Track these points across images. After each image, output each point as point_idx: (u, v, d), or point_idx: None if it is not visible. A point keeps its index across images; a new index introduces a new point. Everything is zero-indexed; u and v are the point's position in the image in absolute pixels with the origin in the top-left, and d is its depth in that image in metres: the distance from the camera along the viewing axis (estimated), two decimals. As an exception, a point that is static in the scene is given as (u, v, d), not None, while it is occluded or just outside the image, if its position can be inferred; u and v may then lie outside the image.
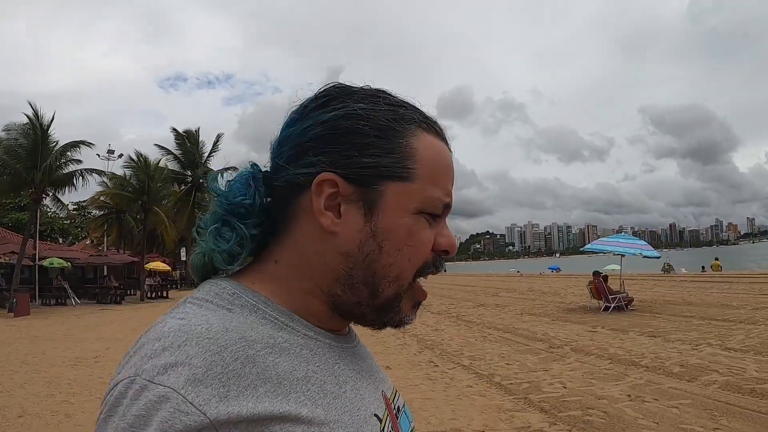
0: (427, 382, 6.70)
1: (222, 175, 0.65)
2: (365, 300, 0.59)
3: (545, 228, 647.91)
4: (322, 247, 0.58)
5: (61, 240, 41.89)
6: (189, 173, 31.28)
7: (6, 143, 20.13)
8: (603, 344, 8.56)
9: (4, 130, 20.29)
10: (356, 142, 0.58)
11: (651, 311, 12.38)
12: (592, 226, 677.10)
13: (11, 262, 20.92)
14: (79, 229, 45.22)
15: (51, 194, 22.17)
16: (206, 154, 32.26)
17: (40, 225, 37.42)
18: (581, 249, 14.82)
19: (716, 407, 4.88)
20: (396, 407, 0.67)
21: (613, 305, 12.75)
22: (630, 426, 4.67)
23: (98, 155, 30.96)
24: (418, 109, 0.63)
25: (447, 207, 0.61)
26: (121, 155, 32.13)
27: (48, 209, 32.91)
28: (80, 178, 21.83)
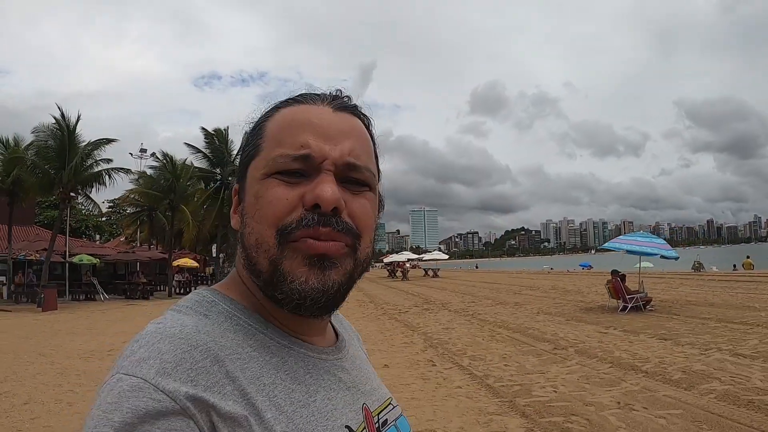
0: (419, 382, 6.61)
1: None
2: (258, 280, 0.59)
3: (581, 224, 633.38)
4: (240, 244, 0.62)
5: (97, 237, 43.25)
6: (218, 171, 31.77)
7: (36, 144, 20.78)
8: (610, 347, 8.28)
9: (33, 132, 20.97)
10: (241, 149, 0.66)
11: (669, 312, 11.94)
12: (629, 222, 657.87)
13: (42, 258, 21.58)
14: (114, 226, 46.55)
15: (80, 193, 22.72)
16: (234, 152, 32.69)
17: (75, 222, 38.84)
18: (599, 247, 14.37)
19: (706, 419, 4.64)
20: (381, 420, 0.66)
21: (630, 305, 12.34)
22: (611, 435, 4.49)
23: (131, 154, 31.83)
24: (303, 93, 0.66)
25: (306, 158, 0.58)
26: (153, 154, 32.91)
27: (82, 207, 34.00)
28: (107, 176, 22.33)
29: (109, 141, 22.37)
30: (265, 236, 0.57)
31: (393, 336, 10.61)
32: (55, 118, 20.77)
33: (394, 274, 40.95)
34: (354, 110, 0.65)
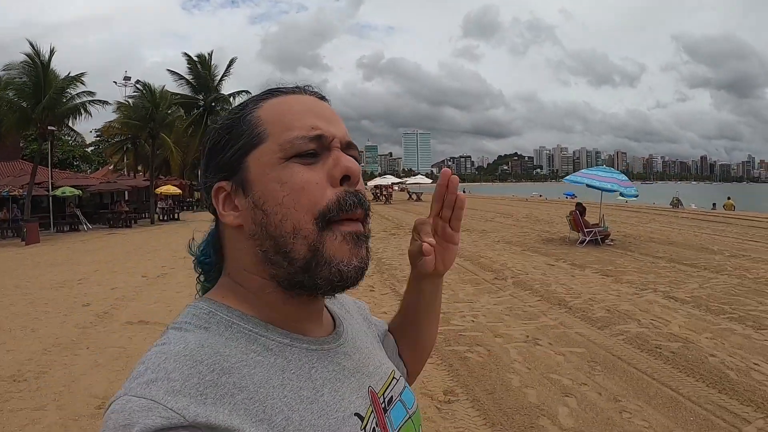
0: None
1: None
2: (290, 267, 0.59)
3: (574, 152, 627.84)
4: (241, 243, 0.62)
5: (85, 167, 42.62)
6: (201, 97, 30.75)
7: (11, 81, 20.23)
8: (549, 279, 8.31)
9: (4, 70, 20.37)
10: (218, 148, 0.64)
11: (626, 248, 11.96)
12: (622, 153, 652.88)
13: (25, 194, 21.52)
14: (101, 156, 45.88)
15: (56, 128, 22.37)
16: (218, 78, 31.50)
17: (61, 154, 38.12)
18: (563, 179, 14.17)
19: (603, 360, 4.65)
20: (387, 399, 0.67)
21: (588, 239, 12.36)
22: (502, 368, 4.53)
23: (115, 82, 30.58)
24: (274, 87, 0.67)
25: (319, 139, 0.61)
26: (137, 81, 31.71)
27: (69, 138, 33.15)
28: (83, 109, 21.82)
29: (80, 75, 21.55)
30: (303, 222, 0.58)
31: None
32: (27, 54, 20.09)
33: (379, 198, 40.73)
34: (327, 100, 0.69)
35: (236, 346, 0.57)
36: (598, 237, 12.40)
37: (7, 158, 27.29)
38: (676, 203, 28.44)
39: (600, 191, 12.85)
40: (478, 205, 34.86)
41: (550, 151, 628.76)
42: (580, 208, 13.10)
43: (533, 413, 3.67)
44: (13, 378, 4.68)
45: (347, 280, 0.60)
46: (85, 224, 23.22)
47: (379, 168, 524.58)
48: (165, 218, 27.68)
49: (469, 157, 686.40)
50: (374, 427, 0.62)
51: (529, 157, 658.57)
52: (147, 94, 26.53)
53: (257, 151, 0.61)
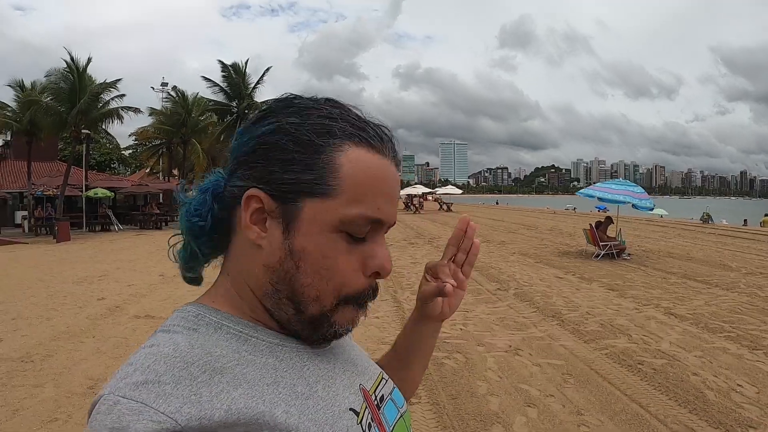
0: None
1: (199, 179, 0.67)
2: (295, 317, 0.58)
3: (612, 165, 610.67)
4: (252, 259, 0.59)
5: (124, 169, 44.07)
6: (234, 104, 31.40)
7: (48, 86, 21.48)
8: (553, 291, 8.16)
9: (45, 76, 21.77)
10: (279, 158, 0.57)
11: (641, 262, 11.62)
12: (660, 167, 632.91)
13: (59, 194, 22.52)
14: (137, 160, 47.44)
15: (91, 132, 23.45)
16: (252, 86, 32.07)
17: (99, 156, 39.60)
18: (577, 192, 13.85)
19: (579, 374, 4.55)
20: (378, 396, 0.67)
21: (603, 252, 12.07)
22: (474, 375, 4.49)
23: (153, 88, 31.66)
24: (360, 120, 0.60)
25: (377, 223, 0.58)
26: (174, 87, 32.73)
27: (107, 142, 34.41)
28: (116, 116, 22.82)
29: (115, 82, 22.67)
30: (327, 298, 0.58)
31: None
32: (65, 61, 21.28)
33: (409, 207, 40.56)
34: (399, 165, 0.64)
35: (227, 347, 0.55)
36: (614, 251, 12.09)
37: (45, 159, 28.36)
38: (707, 218, 27.48)
39: (616, 204, 12.54)
40: (506, 216, 34.43)
41: (587, 164, 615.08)
42: (602, 222, 12.84)
43: (489, 420, 3.63)
44: (22, 359, 5.13)
45: (336, 338, 0.61)
46: (117, 225, 23.97)
47: (416, 177, 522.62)
48: None
49: (506, 168, 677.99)
50: (370, 422, 0.61)
51: (566, 169, 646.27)
52: (180, 100, 27.28)
53: (319, 202, 0.56)
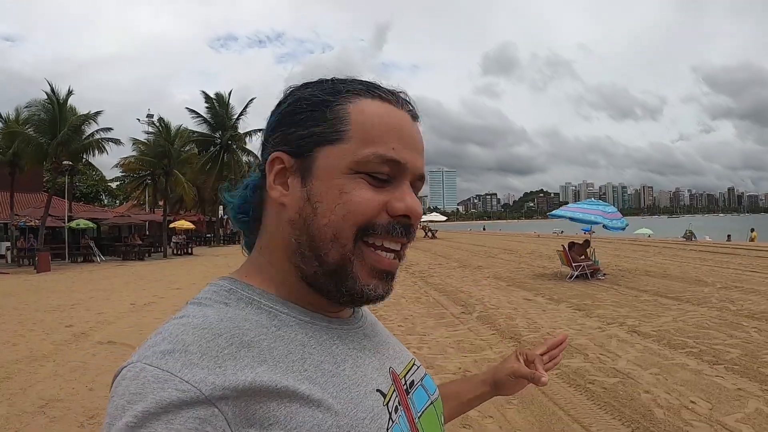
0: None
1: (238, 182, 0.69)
2: (317, 268, 0.58)
3: (600, 188, 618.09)
4: (278, 221, 0.60)
5: (112, 201, 43.86)
6: (218, 135, 31.45)
7: (32, 117, 21.56)
8: (518, 313, 7.96)
9: (26, 107, 22.02)
10: (294, 120, 0.60)
11: (615, 282, 11.48)
12: (648, 187, 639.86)
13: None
14: (124, 191, 47.28)
15: (73, 163, 23.37)
16: (235, 117, 32.20)
17: (85, 188, 39.50)
18: (548, 214, 13.78)
19: (524, 394, 4.30)
20: (409, 381, 0.66)
21: (576, 273, 11.92)
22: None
23: (138, 119, 31.69)
24: (372, 82, 0.63)
25: (396, 165, 0.58)
26: (160, 119, 32.90)
27: (93, 173, 34.27)
28: (96, 148, 22.84)
29: (96, 114, 22.89)
30: (344, 231, 0.57)
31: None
32: (46, 92, 21.44)
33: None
34: (418, 120, 0.66)
35: (256, 321, 0.55)
36: (587, 271, 11.96)
37: (30, 190, 28.34)
38: (690, 236, 27.54)
39: (588, 224, 12.47)
40: (489, 242, 34.39)
41: (576, 187, 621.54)
42: (576, 243, 12.74)
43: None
44: None
45: (368, 300, 0.59)
46: (99, 256, 23.77)
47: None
48: (179, 252, 27.99)
49: (495, 194, 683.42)
50: (397, 405, 0.60)
51: (555, 193, 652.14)
52: (162, 131, 27.28)
53: (332, 148, 0.58)
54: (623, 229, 12.23)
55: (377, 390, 0.58)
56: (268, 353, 0.52)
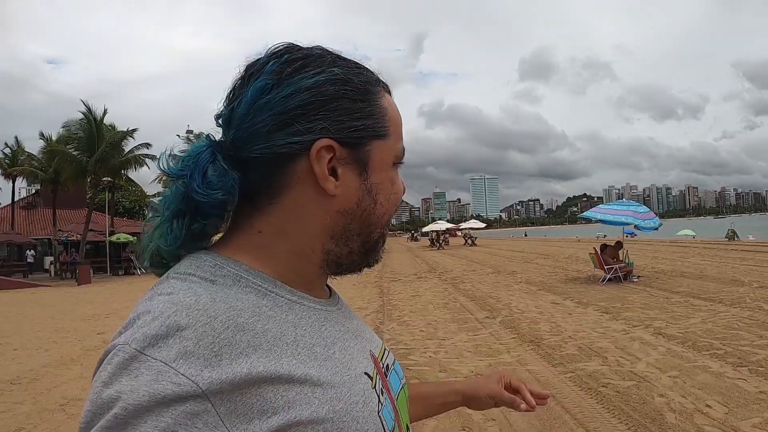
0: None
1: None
2: (357, 248, 0.61)
3: (644, 190, 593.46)
4: (322, 210, 0.57)
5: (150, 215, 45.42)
6: None
7: (71, 136, 22.36)
8: (543, 317, 7.72)
9: (63, 127, 22.75)
10: (344, 107, 0.57)
11: (648, 284, 10.95)
12: (693, 188, 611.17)
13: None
14: None
15: (111, 178, 24.04)
16: None
17: (128, 203, 40.95)
18: (579, 216, 13.34)
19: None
20: (385, 365, 0.66)
21: (608, 276, 11.48)
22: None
23: (178, 135, 32.64)
24: (368, 68, 0.63)
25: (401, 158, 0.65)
26: (201, 134, 33.90)
27: (134, 189, 35.59)
28: (135, 163, 23.63)
29: (132, 131, 23.60)
30: (389, 215, 0.63)
31: (357, 300, 10.44)
32: (82, 112, 22.23)
33: (434, 243, 39.87)
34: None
35: (247, 300, 0.52)
36: (620, 274, 11.50)
37: (73, 206, 29.51)
38: (732, 235, 26.06)
39: (620, 226, 12.00)
40: (528, 247, 33.60)
41: (619, 190, 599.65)
42: (608, 245, 12.31)
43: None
44: (11, 381, 5.64)
45: (372, 265, 0.65)
46: (139, 268, 24.38)
47: (448, 215, 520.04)
48: None
49: (538, 200, 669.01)
50: (381, 388, 0.60)
51: (598, 197, 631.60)
52: None
53: (383, 143, 0.60)
54: (656, 229, 11.69)
55: (365, 373, 0.58)
56: (263, 336, 0.49)
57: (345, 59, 0.60)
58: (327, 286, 0.69)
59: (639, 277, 11.96)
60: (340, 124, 0.56)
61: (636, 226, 11.27)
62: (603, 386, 4.41)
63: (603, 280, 11.53)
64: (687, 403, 3.95)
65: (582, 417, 3.76)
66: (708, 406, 3.89)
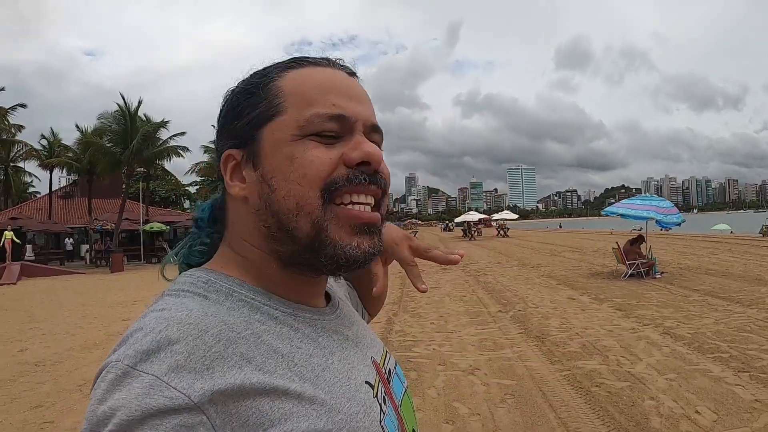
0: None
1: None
2: (293, 246, 0.54)
3: (683, 182, 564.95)
4: (244, 215, 0.57)
5: (189, 205, 45.94)
6: None
7: (103, 128, 22.50)
8: (555, 313, 7.59)
9: (98, 119, 22.89)
10: (234, 113, 0.58)
11: (669, 281, 10.57)
12: (733, 180, 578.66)
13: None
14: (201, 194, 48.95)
15: (145, 169, 24.17)
16: None
17: (164, 192, 41.39)
18: (602, 211, 12.94)
19: (524, 394, 4.15)
20: (387, 370, 0.64)
21: (630, 271, 11.16)
22: (413, 393, 4.17)
23: (213, 126, 32.62)
24: (301, 56, 0.61)
25: (342, 119, 0.55)
26: None
27: (171, 178, 35.99)
28: (171, 154, 23.84)
29: (165, 123, 23.49)
30: (307, 197, 0.52)
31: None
32: (117, 104, 22.30)
33: (467, 234, 39.41)
34: (356, 76, 0.62)
35: (239, 315, 0.51)
36: (642, 269, 11.15)
37: (109, 196, 29.85)
38: (767, 231, 24.74)
39: (642, 221, 11.62)
40: (559, 239, 32.89)
41: (658, 181, 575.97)
42: (632, 240, 11.95)
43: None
44: (36, 363, 5.88)
45: (355, 263, 0.54)
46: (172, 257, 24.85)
47: (485, 205, 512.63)
48: None
49: (575, 191, 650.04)
50: (384, 396, 0.58)
51: (636, 189, 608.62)
52: None
53: (273, 124, 0.55)
54: (679, 224, 11.25)
55: (366, 382, 0.55)
56: (256, 349, 0.48)
57: (263, 68, 0.60)
58: (327, 292, 0.66)
59: (663, 273, 11.57)
60: (234, 130, 0.57)
61: (657, 222, 10.87)
62: (596, 386, 4.34)
63: (625, 276, 11.22)
64: (677, 408, 3.84)
65: (566, 416, 3.72)
66: (697, 412, 3.77)
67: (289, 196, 0.52)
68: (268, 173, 0.54)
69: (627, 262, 11.23)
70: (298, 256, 0.54)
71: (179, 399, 0.40)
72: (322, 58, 0.60)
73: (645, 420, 3.63)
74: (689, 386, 4.29)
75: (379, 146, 0.58)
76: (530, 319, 7.19)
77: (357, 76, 0.61)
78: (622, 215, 11.50)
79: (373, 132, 0.58)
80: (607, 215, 12.12)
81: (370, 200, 0.55)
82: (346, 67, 0.61)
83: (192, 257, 0.62)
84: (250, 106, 0.56)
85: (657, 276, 11.17)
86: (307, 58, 0.59)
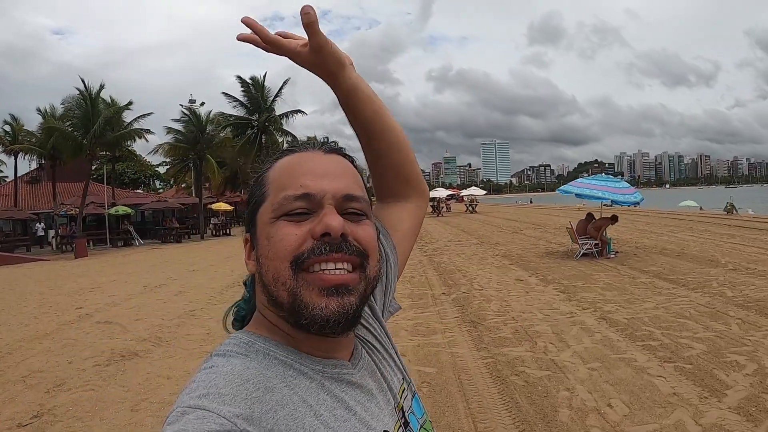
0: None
1: None
2: (282, 311, 0.62)
3: (655, 157, 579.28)
4: (259, 287, 0.67)
5: (162, 185, 44.98)
6: (254, 118, 31.26)
7: (68, 113, 22.27)
8: (497, 296, 7.65)
9: (62, 104, 22.63)
10: (247, 201, 0.70)
11: (621, 261, 10.76)
12: (705, 156, 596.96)
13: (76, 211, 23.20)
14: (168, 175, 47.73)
15: (107, 152, 23.79)
16: (270, 99, 31.70)
17: (133, 173, 40.57)
18: (556, 190, 13.10)
19: (440, 382, 4.16)
20: (404, 411, 0.70)
21: (582, 251, 11.33)
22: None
23: (181, 105, 31.35)
24: (301, 142, 0.72)
25: (308, 197, 0.62)
26: (203, 103, 32.98)
27: (140, 158, 35.21)
28: (134, 136, 23.45)
29: (127, 105, 23.33)
30: (280, 270, 0.61)
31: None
32: (78, 89, 21.95)
33: (435, 210, 39.57)
34: (341, 151, 0.71)
35: (275, 370, 0.60)
36: (594, 249, 11.33)
37: (75, 179, 29.42)
38: (731, 209, 25.52)
39: (597, 201, 11.77)
40: (524, 216, 33.39)
41: (630, 156, 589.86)
42: (587, 217, 12.12)
43: None
44: None
45: (330, 322, 0.60)
46: (137, 240, 24.67)
47: (459, 179, 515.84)
48: (218, 233, 28.25)
49: (549, 165, 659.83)
50: None
51: (609, 163, 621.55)
52: (193, 118, 27.59)
53: (261, 209, 0.65)
54: (638, 203, 11.48)
55: (385, 431, 0.63)
56: (289, 398, 0.56)
57: (274, 156, 0.71)
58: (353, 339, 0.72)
59: (617, 252, 11.79)
60: (247, 215, 0.69)
61: (613, 201, 11.03)
62: (516, 375, 4.35)
63: (577, 255, 11.40)
64: (590, 401, 3.86)
65: (476, 407, 3.72)
66: (610, 405, 3.79)
67: (268, 270, 0.62)
68: (258, 252, 0.65)
69: (579, 242, 11.37)
70: (290, 319, 0.62)
71: (227, 425, 0.49)
72: (308, 143, 0.70)
73: (554, 413, 3.65)
74: (609, 377, 4.33)
75: (364, 211, 0.65)
76: (471, 303, 7.22)
77: (340, 152, 0.70)
78: (578, 194, 11.61)
79: (350, 201, 0.64)
80: (563, 195, 12.18)
81: (344, 266, 0.61)
82: (330, 145, 0.70)
83: (239, 313, 0.76)
84: (253, 195, 0.68)
85: (611, 256, 11.37)
86: (294, 148, 0.70)
